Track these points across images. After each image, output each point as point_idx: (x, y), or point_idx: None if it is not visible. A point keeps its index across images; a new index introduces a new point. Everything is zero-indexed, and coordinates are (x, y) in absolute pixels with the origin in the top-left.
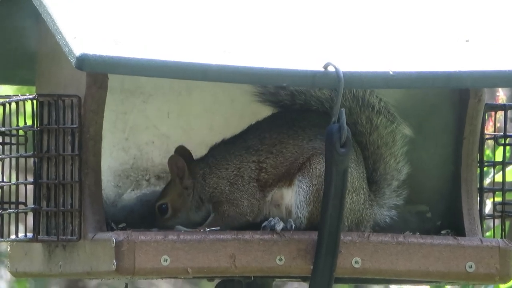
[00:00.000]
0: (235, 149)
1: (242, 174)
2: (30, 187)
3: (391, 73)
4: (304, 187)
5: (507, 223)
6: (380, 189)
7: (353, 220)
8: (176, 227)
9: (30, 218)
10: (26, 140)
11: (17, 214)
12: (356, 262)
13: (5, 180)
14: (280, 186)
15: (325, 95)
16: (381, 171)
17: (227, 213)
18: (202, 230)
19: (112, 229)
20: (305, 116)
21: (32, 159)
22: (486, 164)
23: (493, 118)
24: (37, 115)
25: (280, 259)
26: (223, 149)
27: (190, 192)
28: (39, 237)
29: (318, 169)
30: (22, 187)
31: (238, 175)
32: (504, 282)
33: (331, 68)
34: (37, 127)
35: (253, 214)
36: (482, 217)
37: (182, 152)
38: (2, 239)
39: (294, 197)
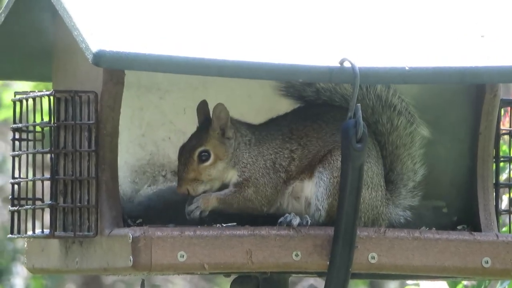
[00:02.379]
0: (275, 131)
1: (275, 160)
2: (47, 183)
3: (407, 68)
4: (325, 179)
5: None
6: (396, 189)
7: (370, 217)
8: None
9: (47, 214)
10: (43, 136)
11: (33, 210)
12: (373, 257)
13: (22, 176)
14: (302, 178)
15: (349, 91)
16: (398, 171)
17: (249, 197)
18: (218, 225)
19: (128, 225)
20: (328, 111)
21: (49, 155)
22: (502, 159)
23: (509, 113)
24: (54, 111)
25: (297, 255)
26: (266, 128)
27: (232, 143)
28: (56, 233)
29: (339, 161)
30: (39, 183)
31: (272, 160)
32: None
33: (347, 64)
34: (54, 123)
35: (269, 205)
36: (498, 212)
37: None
38: (19, 235)
39: (314, 189)
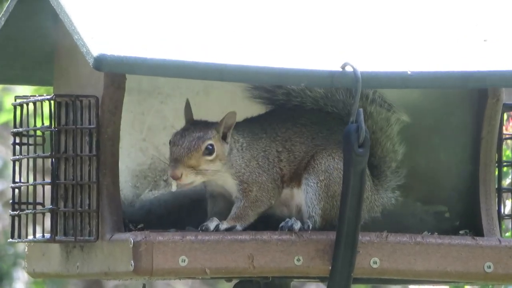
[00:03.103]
0: (259, 132)
1: (268, 156)
2: (48, 188)
3: (409, 73)
4: (312, 184)
5: None
6: (381, 173)
7: (364, 209)
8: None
9: (47, 219)
10: (44, 140)
11: (34, 214)
12: (374, 262)
13: (22, 180)
14: (292, 186)
15: (320, 93)
16: (379, 155)
17: (259, 197)
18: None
19: (130, 230)
20: (302, 114)
21: (49, 160)
22: (505, 164)
23: None
24: (55, 115)
25: (298, 260)
26: (252, 130)
27: (227, 148)
28: (56, 237)
29: (323, 164)
30: (39, 188)
31: (265, 157)
32: None
33: (348, 68)
34: (54, 127)
35: (275, 197)
36: (500, 217)
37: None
38: (19, 240)
39: (303, 196)
